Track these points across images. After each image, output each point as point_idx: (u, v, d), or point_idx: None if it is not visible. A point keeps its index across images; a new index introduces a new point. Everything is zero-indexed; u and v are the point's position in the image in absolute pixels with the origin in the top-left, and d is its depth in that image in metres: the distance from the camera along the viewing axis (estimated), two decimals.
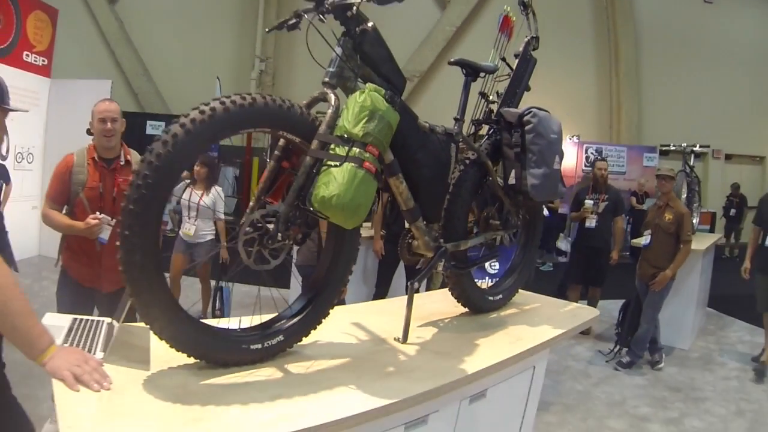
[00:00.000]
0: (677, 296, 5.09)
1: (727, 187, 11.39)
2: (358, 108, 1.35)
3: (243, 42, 10.30)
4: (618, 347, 4.92)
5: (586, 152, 9.51)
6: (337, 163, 1.30)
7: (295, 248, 3.77)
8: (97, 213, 2.67)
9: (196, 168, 4.77)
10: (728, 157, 12.00)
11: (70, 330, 1.54)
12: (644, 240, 4.76)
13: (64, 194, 2.76)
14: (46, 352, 1.26)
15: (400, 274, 4.80)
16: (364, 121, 1.34)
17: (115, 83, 7.52)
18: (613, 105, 11.36)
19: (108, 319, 1.64)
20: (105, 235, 2.67)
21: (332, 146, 1.33)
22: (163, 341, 1.28)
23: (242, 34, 10.34)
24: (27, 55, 5.41)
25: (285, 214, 1.33)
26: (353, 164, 1.29)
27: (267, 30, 1.68)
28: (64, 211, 2.79)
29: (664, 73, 11.49)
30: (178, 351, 1.31)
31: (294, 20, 1.58)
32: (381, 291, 4.79)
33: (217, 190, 4.93)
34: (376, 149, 1.36)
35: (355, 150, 1.31)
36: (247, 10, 10.26)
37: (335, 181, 1.27)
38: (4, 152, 3.87)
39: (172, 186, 1.22)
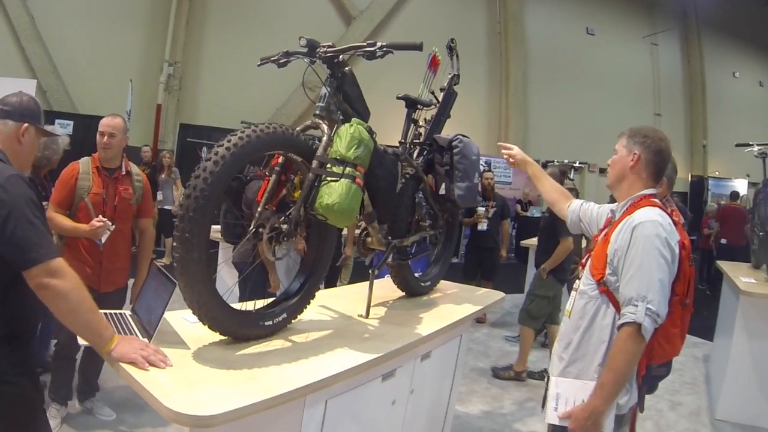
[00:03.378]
0: None
1: (601, 197, 12.98)
2: (349, 137, 1.80)
3: (152, 45, 10.06)
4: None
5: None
6: (336, 179, 1.74)
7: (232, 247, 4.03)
8: (100, 216, 2.88)
9: None
10: (602, 170, 13.12)
11: None
12: None
13: (68, 199, 2.94)
14: (111, 341, 1.53)
15: None
16: (354, 147, 1.80)
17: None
18: (501, 122, 12.54)
19: (128, 312, 1.92)
20: (104, 238, 2.88)
21: (329, 165, 1.77)
22: (205, 323, 1.63)
23: (152, 37, 10.10)
24: None
25: (295, 217, 1.75)
26: (348, 180, 1.74)
27: (258, 64, 2.03)
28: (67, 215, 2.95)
29: (549, 95, 12.85)
30: (214, 330, 1.66)
31: (284, 59, 1.97)
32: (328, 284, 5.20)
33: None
34: (362, 168, 1.82)
35: (349, 169, 1.77)
36: (158, 13, 10.05)
37: (336, 192, 1.72)
38: None
39: (221, 197, 1.58)
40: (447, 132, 2.72)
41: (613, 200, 2.11)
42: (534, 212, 11.49)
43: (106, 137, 3.00)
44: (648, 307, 1.70)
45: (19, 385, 1.63)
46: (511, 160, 2.47)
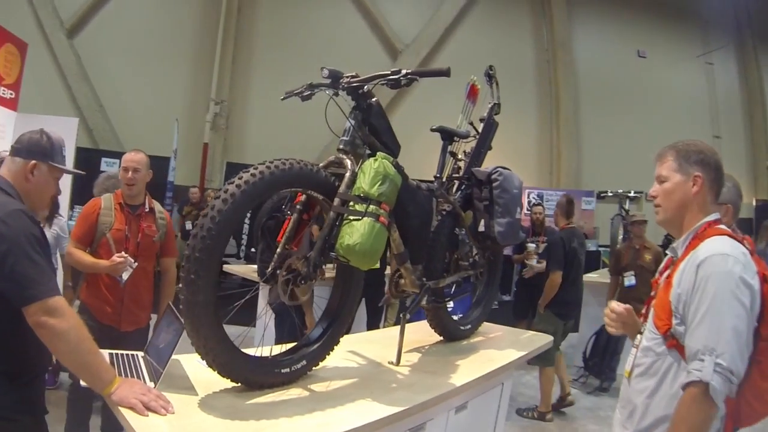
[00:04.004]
0: None
1: (659, 228, 12.30)
2: (374, 173, 1.69)
3: (198, 83, 10.46)
4: (587, 374, 5.27)
5: (528, 197, 10.18)
6: (358, 218, 1.62)
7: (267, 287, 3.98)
8: (123, 252, 2.86)
9: None
10: None
11: (112, 364, 1.73)
12: (628, 281, 5.00)
13: (89, 235, 2.93)
14: (112, 383, 1.47)
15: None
16: (378, 183, 1.68)
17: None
18: (553, 152, 12.16)
19: (141, 353, 1.86)
20: (125, 275, 2.86)
21: (352, 203, 1.66)
22: (214, 369, 1.53)
23: (198, 76, 10.51)
24: None
25: (314, 258, 1.64)
26: (371, 218, 1.62)
27: (282, 98, 1.97)
28: (87, 251, 2.95)
29: (601, 122, 12.39)
30: (224, 377, 1.56)
31: (308, 92, 1.89)
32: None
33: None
34: (387, 206, 1.70)
35: (372, 207, 1.65)
36: (204, 52, 10.48)
37: (357, 232, 1.59)
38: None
39: (230, 236, 1.50)
40: (492, 165, 2.56)
41: (667, 241, 1.82)
42: (590, 246, 10.99)
43: (130, 173, 2.99)
44: (718, 362, 1.38)
45: (20, 423, 1.60)
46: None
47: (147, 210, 3.09)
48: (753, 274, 1.48)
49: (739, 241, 1.56)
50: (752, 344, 1.47)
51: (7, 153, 1.84)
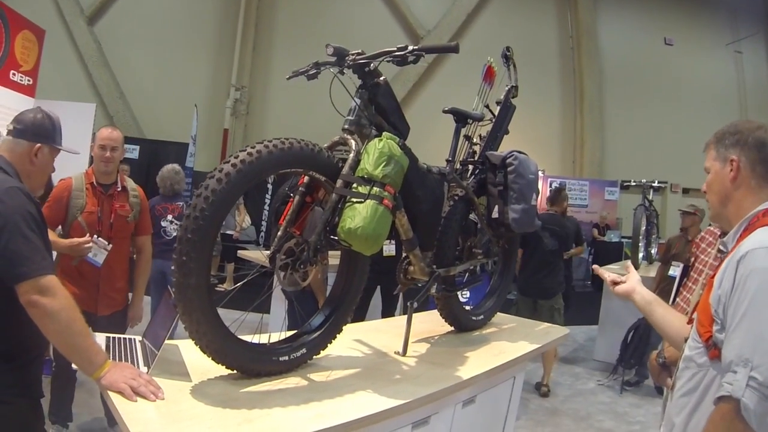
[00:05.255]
0: None
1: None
2: (378, 153, 1.60)
3: (219, 69, 10.47)
4: (621, 368, 5.10)
5: (551, 186, 9.99)
6: (361, 200, 1.54)
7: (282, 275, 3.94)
8: (95, 236, 2.79)
9: None
10: (685, 191, 12.31)
11: (107, 347, 1.70)
12: (672, 271, 4.93)
13: (59, 216, 2.84)
14: (102, 367, 1.43)
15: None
16: (383, 164, 1.59)
17: None
18: (576, 141, 11.91)
19: (138, 338, 1.82)
20: (100, 258, 2.80)
21: (355, 185, 1.58)
22: (207, 355, 1.47)
23: (218, 62, 10.51)
24: (14, 74, 5.44)
25: (314, 242, 1.56)
26: (374, 201, 1.54)
27: (287, 77, 1.89)
28: (58, 233, 2.87)
29: (626, 111, 12.08)
30: (218, 364, 1.50)
31: (313, 71, 1.81)
32: (359, 314, 4.99)
33: None
34: (392, 188, 1.61)
35: (376, 189, 1.56)
36: (225, 38, 10.47)
37: (360, 215, 1.51)
38: None
39: (224, 218, 1.43)
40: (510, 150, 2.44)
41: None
42: (612, 237, 10.75)
43: (108, 151, 2.90)
44: (752, 376, 1.15)
45: (14, 405, 1.57)
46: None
47: (119, 189, 2.99)
48: None
49: None
50: None
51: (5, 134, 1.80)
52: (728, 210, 1.45)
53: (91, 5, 10.18)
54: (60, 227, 2.91)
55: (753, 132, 1.41)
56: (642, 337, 4.99)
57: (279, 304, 4.14)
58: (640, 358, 4.99)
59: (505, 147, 2.53)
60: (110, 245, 2.84)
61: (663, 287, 4.89)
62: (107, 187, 2.96)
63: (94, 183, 2.93)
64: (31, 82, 5.66)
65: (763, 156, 1.40)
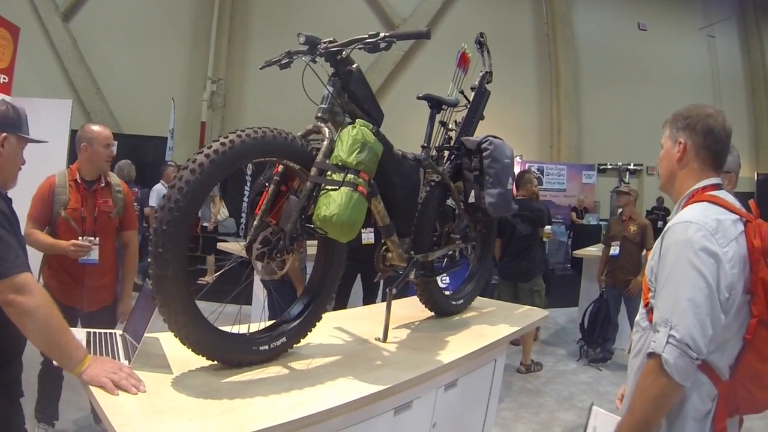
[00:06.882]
0: None
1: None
2: (351, 140, 1.60)
3: (195, 63, 10.34)
4: (585, 346, 5.38)
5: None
6: (336, 187, 1.54)
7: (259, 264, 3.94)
8: (82, 237, 2.78)
9: None
10: None
11: (88, 343, 1.69)
12: (613, 251, 5.15)
13: (46, 215, 2.82)
14: (82, 362, 1.42)
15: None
16: (356, 151, 1.59)
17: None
18: (553, 126, 12.03)
19: (119, 332, 1.80)
20: (94, 255, 2.79)
21: (329, 173, 1.58)
22: (187, 346, 1.47)
23: (194, 55, 10.37)
24: None
25: (290, 231, 1.56)
26: (349, 188, 1.54)
27: (260, 67, 1.88)
28: (45, 231, 2.85)
29: (602, 96, 12.23)
30: (199, 355, 1.50)
31: (286, 60, 1.81)
32: (340, 303, 4.99)
33: None
34: (366, 175, 1.61)
35: (350, 176, 1.56)
36: (200, 31, 10.32)
37: (334, 202, 1.52)
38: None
39: (199, 208, 1.42)
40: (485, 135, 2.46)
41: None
42: (590, 220, 10.90)
43: (113, 149, 2.96)
44: (671, 334, 1.31)
45: None
46: None
47: (103, 185, 2.97)
48: (726, 241, 1.36)
49: (725, 207, 1.43)
50: (743, 321, 1.39)
51: None
52: (674, 186, 1.60)
53: (66, 1, 9.95)
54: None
55: (703, 119, 1.52)
56: (605, 317, 5.21)
57: (261, 295, 4.14)
58: (605, 335, 5.18)
59: (483, 132, 2.55)
60: (96, 240, 2.83)
61: (609, 266, 5.20)
62: (91, 183, 2.94)
63: (78, 180, 2.91)
64: (6, 80, 5.54)
65: (709, 143, 1.51)
